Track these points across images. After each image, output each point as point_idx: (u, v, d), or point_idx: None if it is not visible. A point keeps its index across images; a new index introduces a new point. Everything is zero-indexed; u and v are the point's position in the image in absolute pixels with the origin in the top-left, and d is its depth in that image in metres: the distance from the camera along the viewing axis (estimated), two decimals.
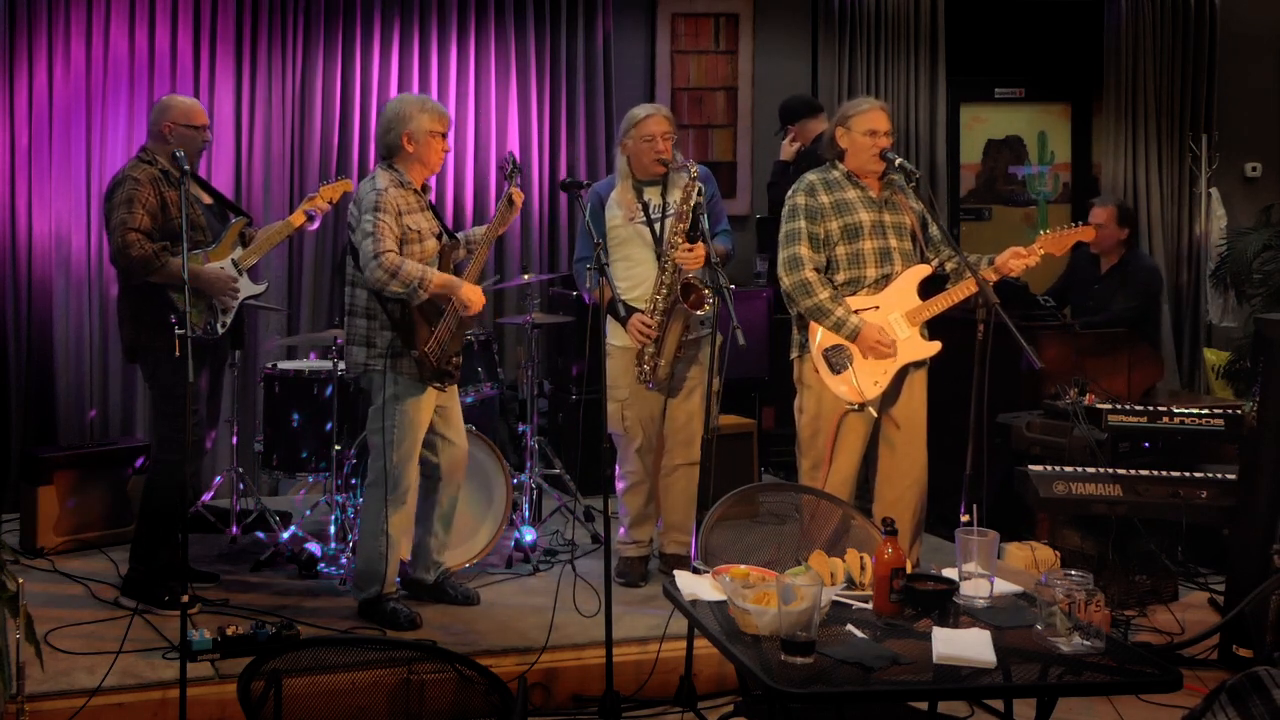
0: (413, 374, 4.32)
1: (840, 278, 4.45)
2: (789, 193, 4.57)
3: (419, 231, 4.33)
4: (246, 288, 4.64)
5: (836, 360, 4.40)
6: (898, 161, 4.42)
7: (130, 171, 4.50)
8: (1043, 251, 4.40)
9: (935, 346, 4.47)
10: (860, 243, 4.44)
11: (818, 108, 6.26)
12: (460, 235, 4.60)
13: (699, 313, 4.58)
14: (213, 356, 4.70)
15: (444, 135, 4.41)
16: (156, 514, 4.51)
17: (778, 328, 6.28)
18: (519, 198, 4.49)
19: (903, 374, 4.48)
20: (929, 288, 4.49)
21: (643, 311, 4.64)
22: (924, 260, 4.52)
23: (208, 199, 4.74)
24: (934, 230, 4.58)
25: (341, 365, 4.95)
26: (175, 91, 5.90)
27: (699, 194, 4.64)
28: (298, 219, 4.72)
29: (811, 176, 4.55)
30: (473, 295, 4.32)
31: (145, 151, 4.58)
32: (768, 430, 6.39)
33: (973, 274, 4.24)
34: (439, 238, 4.44)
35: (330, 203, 4.83)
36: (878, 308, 4.42)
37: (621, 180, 4.79)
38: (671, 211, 4.69)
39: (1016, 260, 4.36)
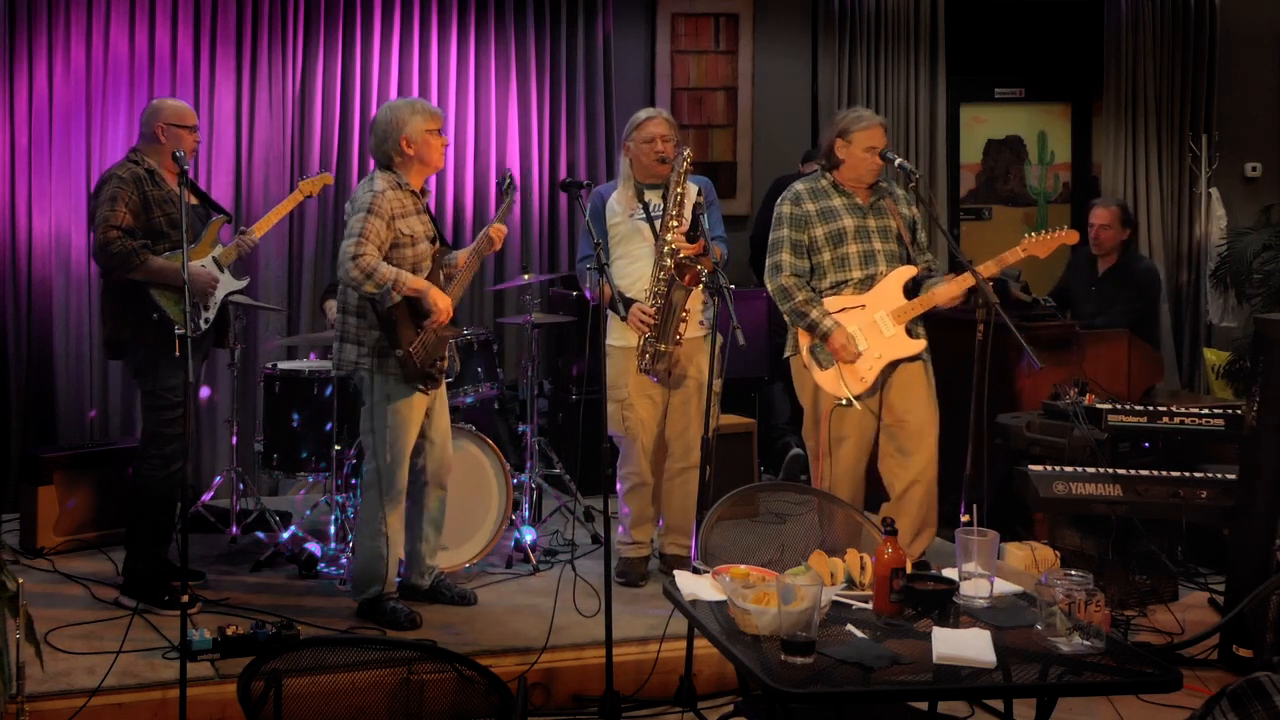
0: (399, 374, 4.32)
1: (827, 281, 4.60)
2: (777, 201, 4.74)
3: (412, 235, 4.33)
4: (227, 284, 4.67)
5: (823, 357, 4.54)
6: (897, 162, 4.45)
7: (116, 170, 4.52)
8: (1025, 254, 4.48)
9: (919, 345, 4.55)
10: (845, 247, 4.58)
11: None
12: (449, 258, 4.57)
13: (696, 288, 4.57)
14: (196, 353, 4.67)
15: (440, 131, 4.41)
16: (148, 508, 4.50)
17: (778, 328, 6.30)
18: (499, 234, 4.50)
19: (896, 371, 4.53)
20: (916, 287, 4.59)
21: (642, 302, 4.66)
22: (911, 262, 4.61)
23: (193, 199, 4.72)
24: (921, 237, 4.72)
25: None
26: (176, 91, 5.95)
27: (699, 193, 4.68)
28: (286, 207, 4.92)
29: (799, 186, 4.70)
30: (442, 301, 4.30)
31: (134, 153, 4.59)
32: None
33: (971, 273, 4.28)
34: (433, 242, 4.43)
35: (309, 195, 5.00)
36: (864, 306, 4.55)
37: (624, 182, 4.81)
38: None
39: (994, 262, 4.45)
